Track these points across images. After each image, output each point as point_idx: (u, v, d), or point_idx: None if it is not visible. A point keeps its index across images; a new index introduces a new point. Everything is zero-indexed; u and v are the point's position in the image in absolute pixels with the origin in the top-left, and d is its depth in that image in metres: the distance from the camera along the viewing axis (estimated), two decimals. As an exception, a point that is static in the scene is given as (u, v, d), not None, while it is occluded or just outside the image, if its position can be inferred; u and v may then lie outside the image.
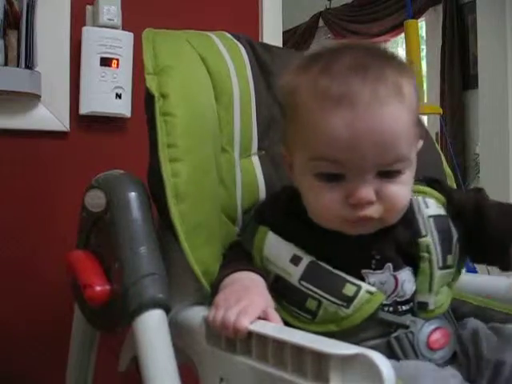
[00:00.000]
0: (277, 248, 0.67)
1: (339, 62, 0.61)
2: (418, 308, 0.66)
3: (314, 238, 0.67)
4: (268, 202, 0.77)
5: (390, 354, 0.62)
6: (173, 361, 0.64)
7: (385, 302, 0.64)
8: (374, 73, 0.60)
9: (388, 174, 0.62)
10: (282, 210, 0.71)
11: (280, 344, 0.52)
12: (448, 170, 0.95)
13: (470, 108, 2.86)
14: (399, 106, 0.61)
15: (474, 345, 0.67)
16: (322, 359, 0.48)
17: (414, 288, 0.67)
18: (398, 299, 0.66)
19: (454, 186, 0.92)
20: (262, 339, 0.55)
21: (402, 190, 0.63)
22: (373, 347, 0.49)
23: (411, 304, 0.66)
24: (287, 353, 0.51)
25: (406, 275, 0.67)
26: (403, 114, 0.61)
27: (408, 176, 0.64)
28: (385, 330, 0.64)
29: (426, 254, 0.67)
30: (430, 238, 0.68)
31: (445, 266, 0.68)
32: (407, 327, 0.64)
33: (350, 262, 0.65)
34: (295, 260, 0.65)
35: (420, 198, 0.71)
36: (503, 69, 2.59)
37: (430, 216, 0.69)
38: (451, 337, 0.66)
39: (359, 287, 0.63)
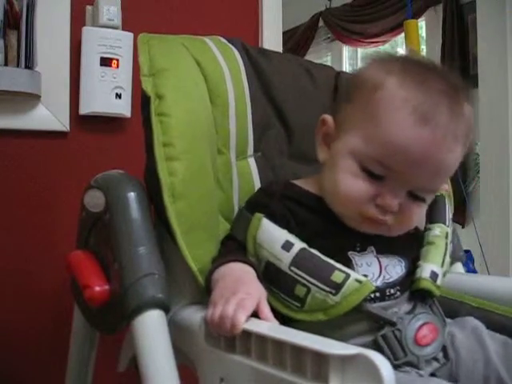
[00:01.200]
0: (270, 234, 0.67)
1: (434, 83, 0.64)
2: (431, 276, 0.69)
3: (308, 216, 0.69)
4: (261, 190, 0.77)
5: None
6: (172, 361, 0.64)
7: (375, 284, 0.65)
8: (458, 105, 0.64)
9: (415, 196, 0.66)
10: (278, 194, 0.71)
11: (280, 344, 0.52)
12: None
13: (470, 108, 2.85)
14: (463, 146, 0.66)
15: (479, 345, 0.68)
16: (321, 359, 0.48)
17: (401, 272, 0.69)
18: (386, 280, 0.67)
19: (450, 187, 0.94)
20: (262, 339, 0.55)
21: (418, 213, 0.68)
22: (360, 346, 0.49)
23: (398, 287, 0.68)
24: (287, 353, 0.51)
25: (388, 261, 0.69)
26: (461, 156, 0.66)
27: (426, 204, 0.69)
28: (372, 326, 0.64)
29: (444, 236, 0.75)
30: (451, 230, 0.77)
31: (450, 256, 0.75)
32: (394, 324, 0.64)
33: (338, 243, 0.68)
34: (287, 246, 0.66)
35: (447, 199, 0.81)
36: (503, 69, 2.58)
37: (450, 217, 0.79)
38: (439, 332, 0.67)
39: (348, 275, 0.63)
